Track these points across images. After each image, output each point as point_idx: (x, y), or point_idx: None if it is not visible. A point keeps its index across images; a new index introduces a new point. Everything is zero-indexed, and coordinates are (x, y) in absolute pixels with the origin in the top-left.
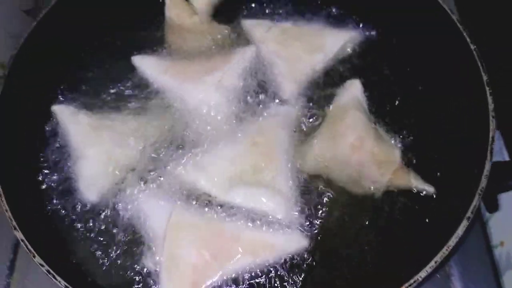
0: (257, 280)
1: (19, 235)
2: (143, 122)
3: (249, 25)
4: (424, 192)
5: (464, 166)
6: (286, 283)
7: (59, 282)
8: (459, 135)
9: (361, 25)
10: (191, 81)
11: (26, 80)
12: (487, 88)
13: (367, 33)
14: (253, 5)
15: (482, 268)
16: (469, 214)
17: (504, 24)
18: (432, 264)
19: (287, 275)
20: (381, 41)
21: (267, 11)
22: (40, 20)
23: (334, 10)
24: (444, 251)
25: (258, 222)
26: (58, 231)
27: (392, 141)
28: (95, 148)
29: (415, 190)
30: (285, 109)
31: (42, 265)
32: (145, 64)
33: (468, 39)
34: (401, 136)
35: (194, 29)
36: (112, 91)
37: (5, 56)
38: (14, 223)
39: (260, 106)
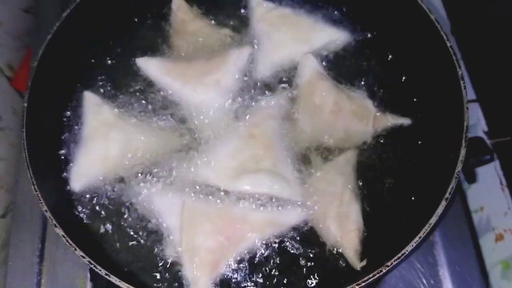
0: (264, 252)
1: (60, 231)
2: (150, 125)
3: (255, 2)
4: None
5: (442, 151)
6: (291, 250)
7: (100, 271)
8: (438, 123)
9: (357, 28)
10: (192, 83)
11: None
12: (461, 82)
13: (359, 37)
14: None
15: (461, 234)
16: (447, 195)
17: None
18: (416, 239)
19: (290, 243)
20: (373, 44)
21: None
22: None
23: (335, 10)
24: (427, 227)
25: (260, 202)
26: (88, 227)
27: (361, 94)
28: (96, 142)
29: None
30: (275, 100)
31: (84, 257)
32: (149, 66)
33: (444, 37)
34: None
35: (198, 32)
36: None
37: (7, 56)
38: (54, 222)
39: (254, 100)
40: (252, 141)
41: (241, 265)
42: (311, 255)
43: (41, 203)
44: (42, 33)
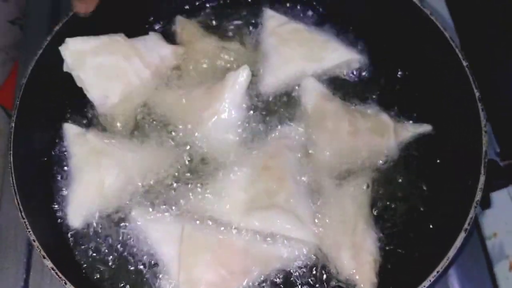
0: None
1: (49, 263)
2: (150, 151)
3: (267, 14)
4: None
5: (460, 178)
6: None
7: None
8: (454, 147)
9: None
10: (192, 117)
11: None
12: (479, 104)
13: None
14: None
15: (476, 263)
16: (466, 226)
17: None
18: (434, 273)
19: (298, 280)
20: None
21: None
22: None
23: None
24: (445, 261)
25: (266, 235)
26: (76, 257)
27: (373, 110)
28: (89, 174)
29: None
30: (292, 129)
31: None
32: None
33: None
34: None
35: (205, 52)
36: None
37: None
38: (42, 252)
39: (267, 129)
40: (265, 173)
41: None
42: None
43: (29, 231)
44: (30, 46)
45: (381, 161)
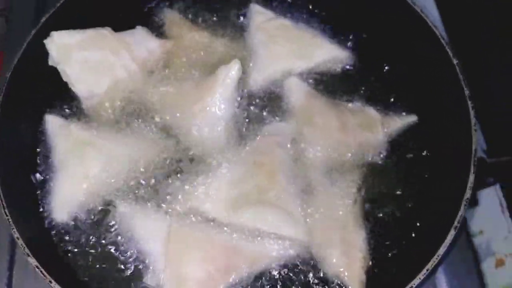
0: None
1: (33, 261)
2: (137, 144)
3: (255, 10)
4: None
5: (449, 175)
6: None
7: None
8: (444, 146)
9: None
10: (181, 110)
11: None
12: (469, 102)
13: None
14: None
15: (463, 260)
16: (456, 223)
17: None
18: (424, 271)
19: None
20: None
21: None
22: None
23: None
24: (435, 259)
25: (257, 234)
26: (61, 254)
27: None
28: (73, 166)
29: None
30: (283, 126)
31: None
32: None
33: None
34: None
35: (194, 46)
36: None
37: None
38: (27, 250)
39: (257, 125)
40: (256, 170)
41: None
42: None
43: (13, 229)
44: (15, 38)
45: (370, 156)
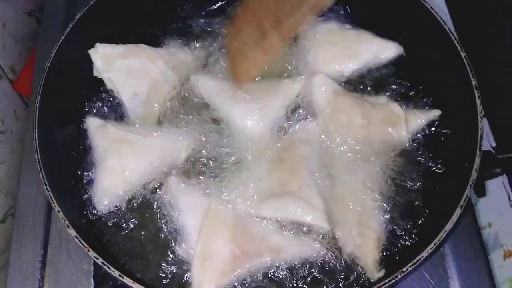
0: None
1: (72, 232)
2: (175, 139)
3: None
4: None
5: (457, 161)
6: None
7: (113, 272)
8: (453, 133)
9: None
10: (237, 108)
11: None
12: (476, 92)
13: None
14: None
15: (472, 247)
16: (462, 202)
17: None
18: (431, 245)
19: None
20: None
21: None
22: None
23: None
24: (442, 234)
25: (285, 224)
26: (97, 230)
27: (384, 100)
28: (111, 161)
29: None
30: (307, 124)
31: (97, 258)
32: (202, 84)
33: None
34: None
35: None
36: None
37: (9, 58)
38: (66, 222)
39: (291, 124)
40: (279, 164)
41: (249, 283)
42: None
43: (53, 203)
44: (47, 38)
45: (393, 150)
